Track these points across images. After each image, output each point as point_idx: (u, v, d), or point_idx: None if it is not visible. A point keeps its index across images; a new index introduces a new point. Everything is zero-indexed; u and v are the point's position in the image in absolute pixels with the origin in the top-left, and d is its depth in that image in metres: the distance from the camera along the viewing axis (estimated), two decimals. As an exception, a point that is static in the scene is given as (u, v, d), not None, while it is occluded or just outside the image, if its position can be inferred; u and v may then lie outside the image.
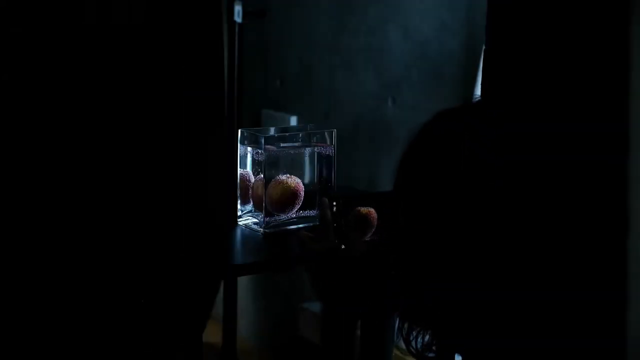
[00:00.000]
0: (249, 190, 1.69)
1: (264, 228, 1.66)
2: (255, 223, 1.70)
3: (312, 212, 1.69)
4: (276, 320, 2.99)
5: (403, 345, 1.28)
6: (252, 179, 1.68)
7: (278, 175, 1.66)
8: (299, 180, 1.66)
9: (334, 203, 1.45)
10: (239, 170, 1.71)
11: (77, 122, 2.08)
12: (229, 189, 1.85)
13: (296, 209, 1.67)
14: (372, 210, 1.54)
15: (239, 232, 1.71)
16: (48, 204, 2.12)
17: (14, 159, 2.05)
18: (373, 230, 1.56)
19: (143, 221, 1.73)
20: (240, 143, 1.71)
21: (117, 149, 2.23)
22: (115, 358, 1.89)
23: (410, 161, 1.17)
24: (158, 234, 1.67)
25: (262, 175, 1.65)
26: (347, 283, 1.40)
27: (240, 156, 1.71)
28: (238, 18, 2.79)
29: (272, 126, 1.97)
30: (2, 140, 2.01)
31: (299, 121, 2.79)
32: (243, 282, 3.00)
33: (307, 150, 1.71)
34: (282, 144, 1.68)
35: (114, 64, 2.07)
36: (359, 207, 1.54)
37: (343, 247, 1.46)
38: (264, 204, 1.65)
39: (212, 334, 2.83)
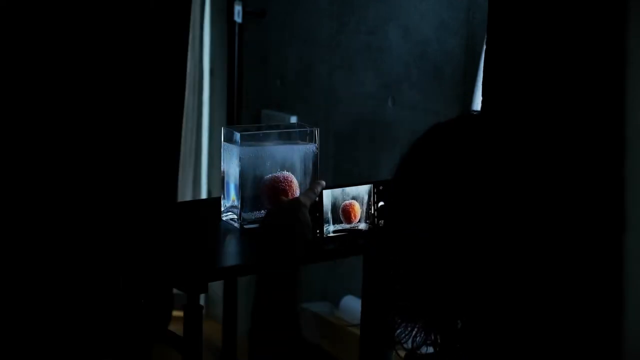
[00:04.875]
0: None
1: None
2: (233, 219, 1.65)
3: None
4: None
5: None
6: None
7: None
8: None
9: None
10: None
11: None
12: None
13: None
14: (354, 203, 1.55)
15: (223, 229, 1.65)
16: (37, 204, 2.13)
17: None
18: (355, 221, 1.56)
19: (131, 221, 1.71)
20: (226, 141, 1.65)
21: (105, 152, 2.25)
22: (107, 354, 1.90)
23: (404, 174, 1.17)
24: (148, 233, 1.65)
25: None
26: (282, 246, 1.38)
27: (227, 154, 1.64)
28: (238, 18, 2.79)
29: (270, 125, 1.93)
30: None
31: (298, 121, 2.79)
32: (243, 282, 3.00)
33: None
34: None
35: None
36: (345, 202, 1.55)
37: (318, 233, 1.52)
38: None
39: (212, 334, 2.83)
